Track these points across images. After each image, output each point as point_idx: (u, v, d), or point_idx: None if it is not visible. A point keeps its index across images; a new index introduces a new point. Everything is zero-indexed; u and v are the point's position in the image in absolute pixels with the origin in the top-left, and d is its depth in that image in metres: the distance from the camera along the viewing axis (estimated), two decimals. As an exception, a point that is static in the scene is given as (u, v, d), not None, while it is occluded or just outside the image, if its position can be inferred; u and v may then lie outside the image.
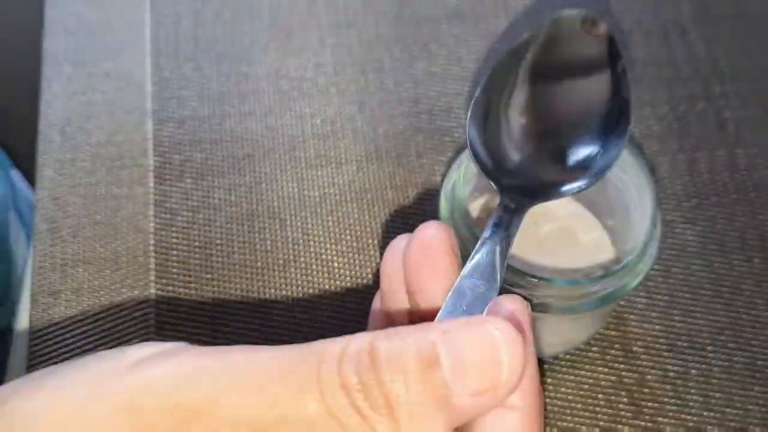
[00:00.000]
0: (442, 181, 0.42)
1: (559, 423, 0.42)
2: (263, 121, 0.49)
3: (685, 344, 0.44)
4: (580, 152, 0.33)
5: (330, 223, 0.46)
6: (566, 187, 0.32)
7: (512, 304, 0.26)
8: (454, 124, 0.49)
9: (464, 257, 0.37)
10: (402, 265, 0.28)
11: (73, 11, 0.51)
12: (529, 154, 0.33)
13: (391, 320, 0.29)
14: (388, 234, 0.46)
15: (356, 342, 0.23)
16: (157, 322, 0.43)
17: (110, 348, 0.42)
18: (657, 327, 0.44)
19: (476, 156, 0.33)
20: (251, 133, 0.48)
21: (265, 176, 0.47)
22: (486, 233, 0.29)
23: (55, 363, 0.42)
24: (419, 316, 0.27)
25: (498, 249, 0.28)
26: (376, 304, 0.30)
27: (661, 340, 0.44)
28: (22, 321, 0.45)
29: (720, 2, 0.54)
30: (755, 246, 0.46)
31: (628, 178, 0.39)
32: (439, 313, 0.26)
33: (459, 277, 0.27)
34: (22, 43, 0.58)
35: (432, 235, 0.27)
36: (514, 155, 0.33)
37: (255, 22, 0.52)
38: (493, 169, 0.32)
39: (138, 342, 0.42)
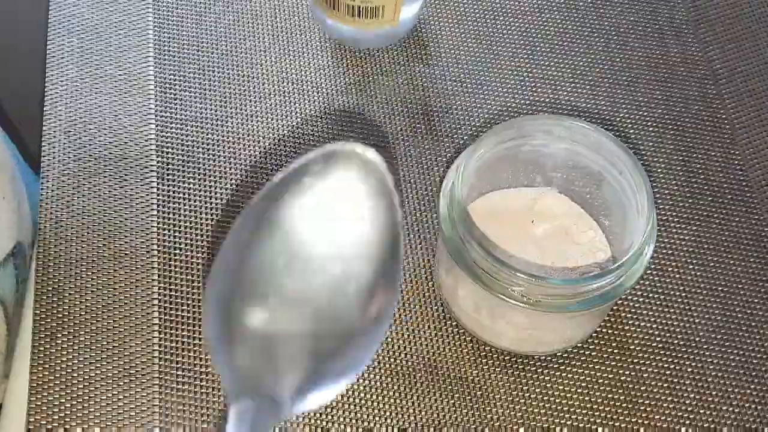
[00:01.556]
0: (442, 181, 0.42)
1: (558, 421, 0.42)
2: (265, 123, 0.49)
3: (681, 343, 0.44)
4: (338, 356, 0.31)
5: (331, 223, 0.47)
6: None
7: None
8: (453, 124, 0.49)
9: (459, 256, 0.38)
10: None
11: (77, 13, 0.51)
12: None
13: None
14: (388, 234, 0.46)
15: None
16: (160, 321, 0.43)
17: (111, 347, 0.43)
18: (653, 325, 0.44)
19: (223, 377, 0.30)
20: (253, 134, 0.49)
21: (267, 177, 0.48)
22: None
23: (57, 362, 0.42)
24: None
25: None
26: None
27: (657, 339, 0.44)
28: (26, 315, 0.45)
29: (715, 4, 0.55)
30: (750, 246, 0.47)
31: (624, 178, 0.40)
32: None
33: None
34: (26, 44, 0.58)
35: None
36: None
37: (257, 25, 0.52)
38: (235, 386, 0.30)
39: (141, 340, 0.43)
